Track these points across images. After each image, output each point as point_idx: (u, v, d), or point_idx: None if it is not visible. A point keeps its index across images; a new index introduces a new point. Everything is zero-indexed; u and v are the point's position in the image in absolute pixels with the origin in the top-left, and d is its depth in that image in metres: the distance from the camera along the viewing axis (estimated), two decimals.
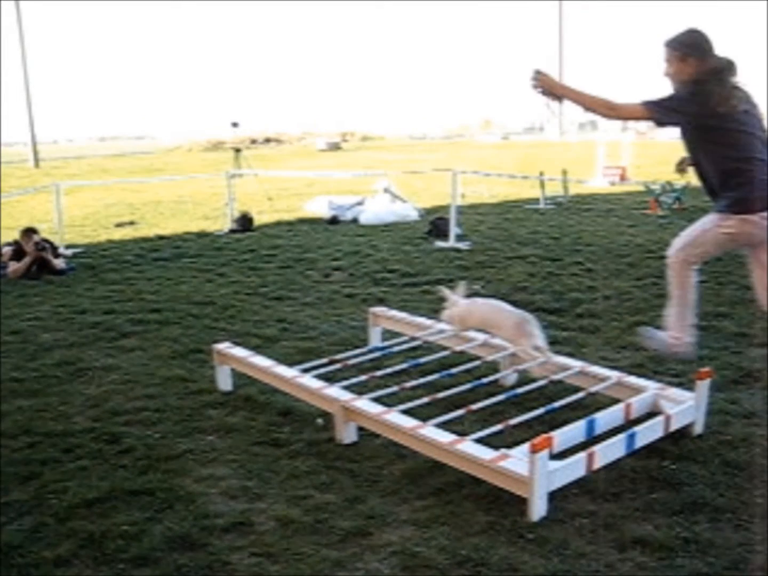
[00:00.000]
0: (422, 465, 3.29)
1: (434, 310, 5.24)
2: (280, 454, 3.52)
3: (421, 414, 3.49)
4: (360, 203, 11.89)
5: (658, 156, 19.48)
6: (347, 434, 3.57)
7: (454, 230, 9.10)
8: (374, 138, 45.88)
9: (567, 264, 7.59)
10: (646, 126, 21.66)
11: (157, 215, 13.10)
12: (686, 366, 4.38)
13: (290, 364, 4.27)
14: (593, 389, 3.72)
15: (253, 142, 40.38)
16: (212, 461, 3.47)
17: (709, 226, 3.82)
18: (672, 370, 4.37)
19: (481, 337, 4.34)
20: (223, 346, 4.40)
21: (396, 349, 4.52)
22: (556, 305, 5.98)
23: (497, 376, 4.11)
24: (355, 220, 11.37)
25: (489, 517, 2.89)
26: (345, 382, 3.92)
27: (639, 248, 8.32)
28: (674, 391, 3.63)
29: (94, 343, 5.45)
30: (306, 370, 4.07)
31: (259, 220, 11.47)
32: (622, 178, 15.24)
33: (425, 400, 3.68)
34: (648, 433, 3.30)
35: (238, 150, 15.52)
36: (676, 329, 4.03)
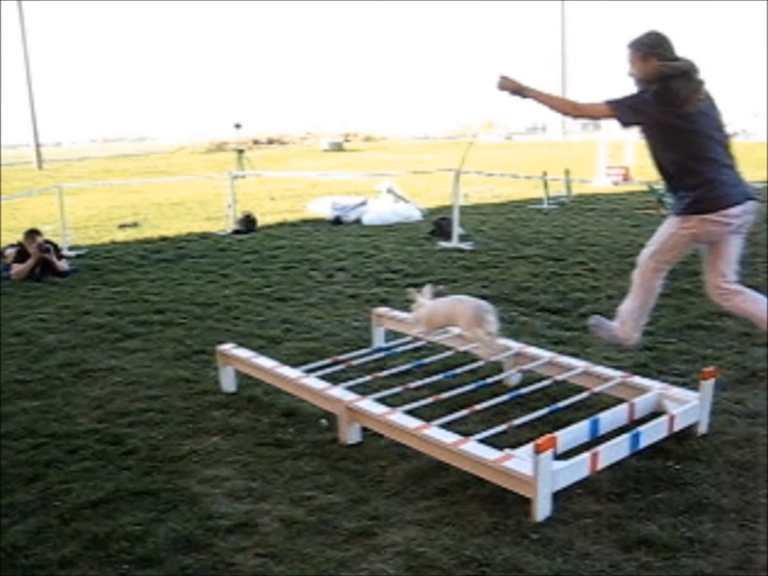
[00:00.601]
0: (426, 465, 3.29)
1: None
2: (284, 454, 3.52)
3: (424, 414, 3.49)
4: (363, 204, 11.89)
5: None
6: (351, 435, 3.57)
7: (457, 230, 9.09)
8: (377, 138, 45.82)
9: (570, 264, 7.59)
10: None
11: (160, 216, 13.10)
12: (690, 366, 4.38)
13: (294, 364, 4.27)
14: (597, 389, 3.72)
15: (256, 142, 40.34)
16: (216, 462, 3.48)
17: (673, 230, 3.97)
18: (676, 370, 4.36)
19: None
20: (227, 347, 4.41)
21: (399, 349, 4.52)
22: (560, 305, 5.98)
23: (501, 376, 4.12)
24: (358, 221, 11.36)
25: (493, 517, 2.89)
26: (349, 383, 3.93)
27: (642, 248, 8.27)
28: (678, 391, 3.62)
29: (98, 344, 5.46)
30: (310, 371, 4.08)
31: (262, 221, 11.47)
32: (625, 178, 15.19)
33: (429, 400, 3.68)
34: (652, 433, 3.29)
35: (240, 151, 15.56)
36: (629, 325, 4.18)
